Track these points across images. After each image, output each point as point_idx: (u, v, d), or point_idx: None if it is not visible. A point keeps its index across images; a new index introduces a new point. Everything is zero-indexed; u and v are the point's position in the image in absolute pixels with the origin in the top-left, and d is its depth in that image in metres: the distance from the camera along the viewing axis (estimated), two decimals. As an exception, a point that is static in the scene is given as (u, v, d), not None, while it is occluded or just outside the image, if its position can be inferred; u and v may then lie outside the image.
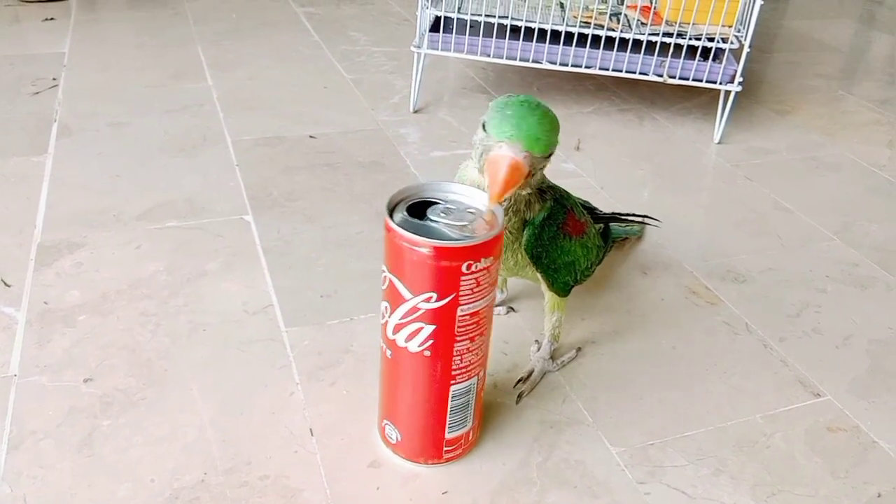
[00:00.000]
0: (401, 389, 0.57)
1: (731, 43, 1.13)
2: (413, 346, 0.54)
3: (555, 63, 1.15)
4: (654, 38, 1.12)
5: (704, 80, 1.14)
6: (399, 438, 0.59)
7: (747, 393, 0.70)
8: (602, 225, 0.79)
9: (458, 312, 0.53)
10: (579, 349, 0.73)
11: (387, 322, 0.55)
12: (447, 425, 0.58)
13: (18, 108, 1.17)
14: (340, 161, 1.06)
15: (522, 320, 0.77)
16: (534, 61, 1.15)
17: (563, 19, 1.16)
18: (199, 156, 1.05)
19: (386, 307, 0.55)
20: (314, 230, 0.90)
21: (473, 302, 0.53)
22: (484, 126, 0.57)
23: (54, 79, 1.27)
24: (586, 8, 1.21)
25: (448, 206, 0.54)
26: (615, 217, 0.84)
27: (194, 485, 0.57)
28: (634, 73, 1.14)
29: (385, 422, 0.60)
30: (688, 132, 1.22)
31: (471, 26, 1.16)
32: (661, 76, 1.14)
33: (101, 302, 0.76)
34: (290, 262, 0.84)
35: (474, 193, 0.55)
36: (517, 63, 1.16)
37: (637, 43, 1.13)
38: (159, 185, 0.97)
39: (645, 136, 1.20)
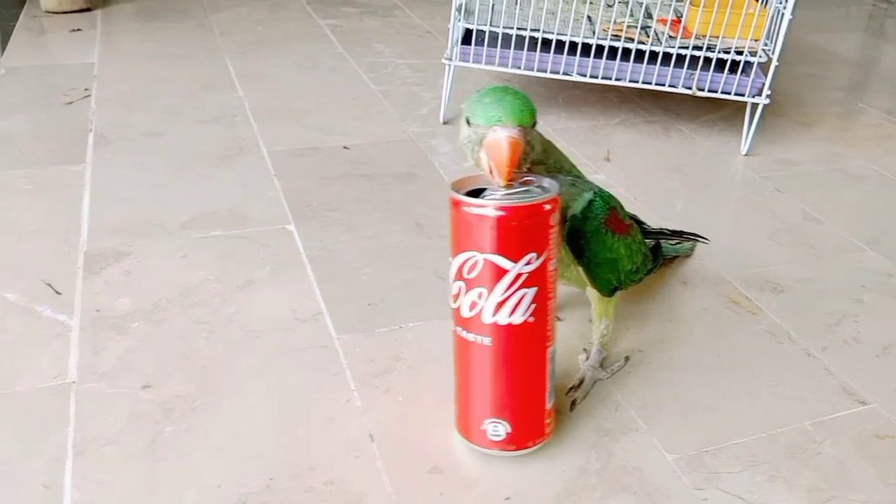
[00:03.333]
0: (509, 374, 0.58)
1: (759, 56, 1.14)
2: (517, 318, 0.56)
3: (585, 75, 1.16)
4: (683, 52, 1.14)
5: (733, 92, 1.15)
6: (509, 430, 0.60)
7: (794, 401, 0.71)
8: (654, 241, 0.80)
9: (549, 267, 0.56)
10: (627, 358, 0.74)
11: (482, 310, 0.56)
12: (547, 394, 0.60)
13: (53, 117, 1.18)
14: (375, 172, 1.07)
15: (569, 329, 0.78)
16: (564, 73, 1.17)
17: (594, 32, 1.17)
18: (236, 166, 1.06)
19: (480, 294, 0.56)
20: (355, 240, 0.91)
21: (554, 256, 0.57)
22: (468, 121, 0.59)
23: (86, 89, 1.28)
24: (614, 21, 1.22)
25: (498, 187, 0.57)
26: (663, 232, 0.85)
27: (261, 490, 0.58)
28: (664, 85, 1.16)
29: (488, 421, 0.60)
30: (714, 144, 1.24)
31: (501, 39, 1.18)
32: (690, 89, 1.15)
33: (152, 310, 0.76)
34: (334, 271, 0.84)
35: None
36: (547, 75, 1.17)
37: (665, 56, 1.15)
38: (200, 195, 0.98)
39: (673, 148, 1.21)
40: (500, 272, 0.55)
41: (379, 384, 0.69)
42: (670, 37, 1.19)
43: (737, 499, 0.61)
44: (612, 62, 1.15)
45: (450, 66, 1.19)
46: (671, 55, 1.15)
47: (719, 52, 1.14)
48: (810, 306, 0.85)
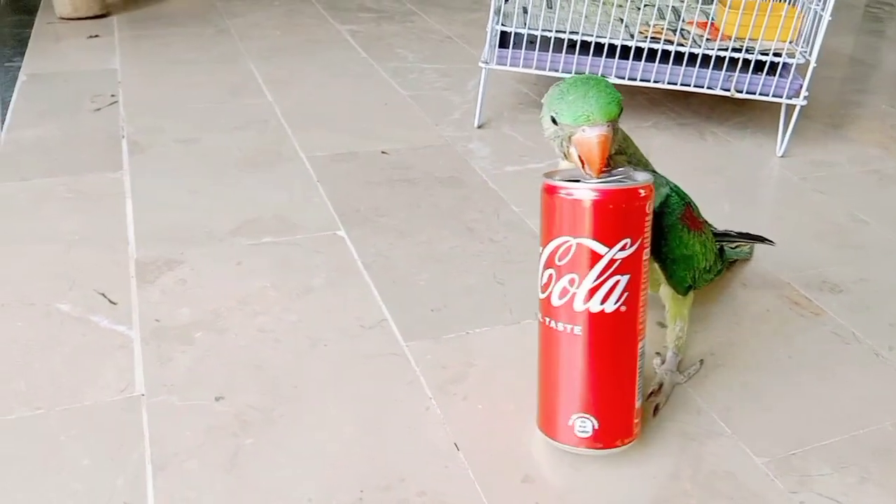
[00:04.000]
0: (598, 365, 0.57)
1: (797, 58, 1.14)
2: (610, 306, 0.55)
3: (623, 77, 1.16)
4: (722, 54, 1.14)
5: (771, 94, 1.15)
6: (596, 426, 0.58)
7: (871, 402, 0.70)
8: (720, 244, 0.79)
9: (643, 255, 0.56)
10: (702, 361, 0.73)
11: (574, 296, 0.55)
12: (637, 391, 0.59)
13: (83, 124, 1.16)
14: (418, 176, 1.05)
15: (638, 333, 0.77)
16: (601, 76, 1.16)
17: (632, 36, 1.17)
18: (276, 172, 1.04)
19: (572, 280, 0.55)
20: (409, 245, 0.89)
21: (648, 244, 0.56)
22: (554, 120, 0.58)
23: (113, 95, 1.26)
24: (647, 24, 1.22)
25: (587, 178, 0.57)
26: (729, 234, 0.84)
27: (353, 503, 0.56)
28: (703, 87, 1.15)
29: (574, 417, 0.59)
30: (748, 146, 1.23)
31: (538, 42, 1.17)
32: (728, 90, 1.15)
33: (214, 319, 0.75)
34: (392, 278, 0.83)
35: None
36: (583, 78, 1.16)
37: (700, 58, 1.14)
38: (244, 202, 0.96)
39: (709, 150, 1.21)
40: (595, 257, 0.54)
41: (456, 391, 0.68)
42: (707, 39, 1.18)
43: (832, 501, 0.60)
44: (651, 64, 1.15)
45: (485, 69, 1.18)
46: (706, 57, 1.14)
47: (757, 53, 1.13)
48: (870, 307, 0.84)
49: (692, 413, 0.67)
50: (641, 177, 0.57)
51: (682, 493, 0.59)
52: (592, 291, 0.55)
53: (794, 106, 1.16)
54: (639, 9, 1.25)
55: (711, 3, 1.25)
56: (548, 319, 0.58)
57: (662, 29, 1.18)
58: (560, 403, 0.60)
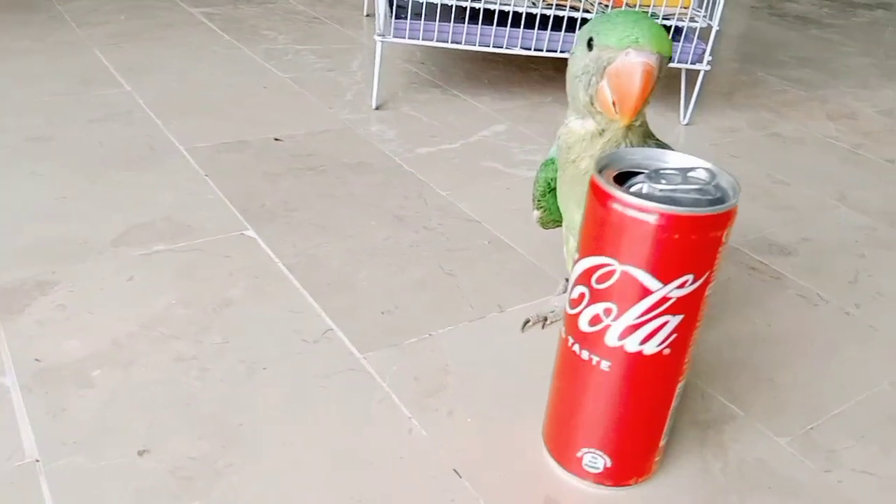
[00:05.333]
0: (621, 405, 0.47)
1: (700, 22, 1.12)
2: (650, 348, 0.45)
3: (530, 49, 1.08)
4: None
5: (676, 60, 1.12)
6: (608, 465, 0.49)
7: (860, 363, 0.67)
8: None
9: (706, 293, 0.44)
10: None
11: (607, 328, 0.45)
12: (664, 431, 0.49)
13: None
14: (324, 164, 0.92)
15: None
16: (507, 47, 1.08)
17: (534, 3, 1.09)
18: (154, 168, 0.87)
19: (608, 310, 0.44)
20: (335, 241, 0.76)
21: (715, 278, 0.45)
22: (590, 44, 0.49)
23: (-76, 91, 1.02)
24: (543, -8, 1.15)
25: (653, 171, 0.45)
26: None
27: (352, 564, 0.44)
28: (609, 55, 1.10)
29: (584, 451, 0.49)
30: (651, 117, 1.20)
31: (428, 13, 1.07)
32: (635, 58, 1.11)
33: (114, 350, 0.59)
34: (325, 279, 0.70)
35: (662, 154, 0.47)
36: (489, 49, 1.08)
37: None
38: (123, 205, 0.79)
39: (617, 122, 1.16)
40: (643, 292, 0.43)
41: (437, 406, 0.57)
42: (604, 5, 1.14)
43: (867, 475, 0.55)
44: (558, 34, 1.08)
45: (381, 42, 1.07)
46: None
47: (661, 19, 1.10)
48: (822, 266, 0.82)
49: (696, 398, 0.60)
50: (726, 188, 0.44)
51: (720, 490, 0.52)
52: (632, 329, 0.44)
53: (696, 72, 1.14)
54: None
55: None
56: (572, 340, 0.47)
57: (562, -3, 1.12)
58: (571, 432, 0.50)
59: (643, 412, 0.48)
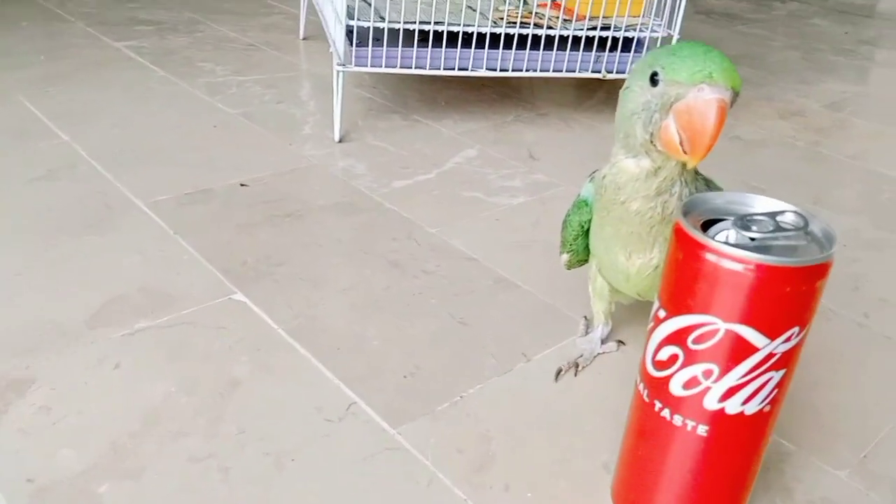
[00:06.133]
0: (719, 469, 0.44)
1: (661, 32, 1.11)
2: (752, 407, 0.42)
3: (495, 69, 1.05)
4: (592, 34, 1.07)
5: (639, 71, 1.11)
6: None
7: (888, 376, 0.66)
8: None
9: (804, 343, 0.42)
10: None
11: (706, 391, 0.42)
12: (749, 490, 0.47)
13: None
14: (299, 208, 0.86)
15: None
16: (472, 69, 1.04)
17: (496, 22, 1.06)
18: (114, 229, 0.79)
19: (707, 372, 0.41)
20: (332, 296, 0.71)
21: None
22: (654, 79, 0.46)
23: None
24: (497, 9, 1.12)
25: (740, 217, 0.42)
26: None
27: None
28: (574, 71, 1.08)
29: None
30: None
31: (386, 38, 1.02)
32: (599, 72, 1.09)
33: (117, 457, 0.51)
34: (333, 343, 0.64)
35: (745, 198, 0.45)
36: (455, 73, 1.04)
37: (554, 41, 1.07)
38: (89, 277, 0.71)
39: (581, 138, 1.14)
40: (748, 350, 0.40)
41: (491, 482, 0.52)
42: (564, 20, 1.11)
43: (935, 505, 0.53)
44: (522, 52, 1.05)
45: (343, 72, 1.01)
46: (563, 40, 1.07)
47: (622, 30, 1.08)
48: (820, 275, 0.82)
49: (750, 436, 0.58)
50: (818, 234, 0.41)
51: (803, 542, 0.49)
52: (734, 390, 0.41)
53: (658, 82, 1.13)
54: (481, -6, 1.15)
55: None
56: (660, 405, 0.44)
57: (517, 12, 1.09)
58: (655, 500, 0.47)
59: (739, 474, 0.45)
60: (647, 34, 1.09)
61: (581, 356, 0.64)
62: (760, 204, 0.44)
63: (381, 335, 0.66)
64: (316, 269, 0.75)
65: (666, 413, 0.44)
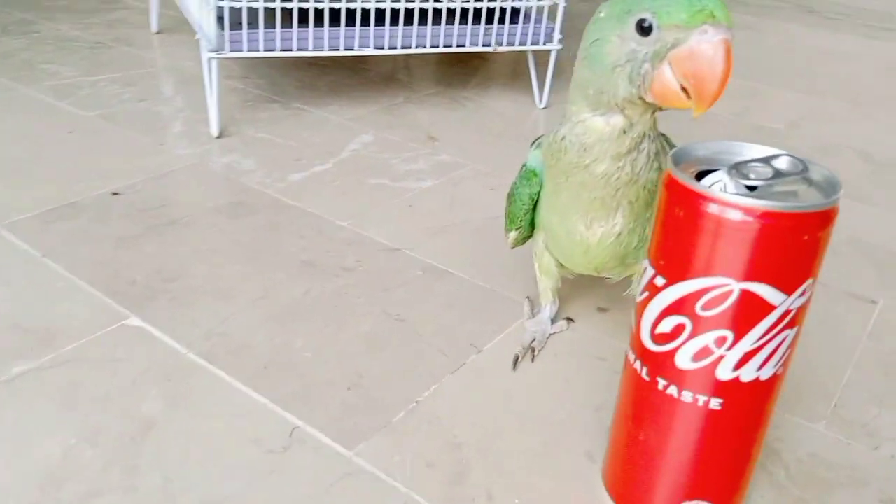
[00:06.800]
0: (731, 446, 0.41)
1: (544, 1, 1.07)
2: (767, 372, 0.38)
3: (383, 47, 0.98)
4: (478, 5, 1.02)
5: (529, 43, 1.07)
6: None
7: (836, 322, 0.66)
8: None
9: (812, 297, 0.38)
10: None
11: (719, 360, 0.37)
12: (757, 458, 0.43)
13: None
14: (186, 213, 0.76)
15: (596, 329, 0.62)
16: (360, 48, 0.97)
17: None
18: (-36, 260, 0.66)
19: (720, 339, 0.37)
20: (245, 308, 0.62)
21: None
22: (643, 27, 0.41)
23: None
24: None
25: (735, 165, 0.38)
26: None
27: None
28: (464, 46, 1.03)
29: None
30: (507, 105, 1.15)
31: (256, 20, 0.92)
32: (489, 45, 1.05)
33: (12, 537, 0.41)
34: (257, 361, 0.56)
35: (730, 147, 0.41)
36: (339, 54, 0.96)
37: (440, 14, 1.01)
38: (-61, 319, 0.58)
39: (477, 116, 1.09)
40: (765, 309, 0.36)
41: (472, 494, 0.46)
42: (447, -8, 1.05)
43: (911, 446, 0.52)
44: (410, 27, 0.99)
45: (216, 60, 0.91)
46: (445, 13, 1.02)
47: (512, 1, 1.04)
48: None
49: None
50: (820, 178, 0.38)
51: (800, 500, 0.47)
52: (750, 355, 0.37)
53: (546, 53, 1.11)
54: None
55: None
56: (663, 382, 0.39)
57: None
58: (662, 486, 0.43)
59: (751, 444, 0.41)
60: (533, 4, 1.05)
61: (534, 339, 0.59)
62: (750, 151, 0.40)
63: (310, 345, 0.58)
64: (219, 279, 0.66)
65: (672, 390, 0.39)
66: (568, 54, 1.44)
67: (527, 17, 1.07)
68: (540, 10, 1.07)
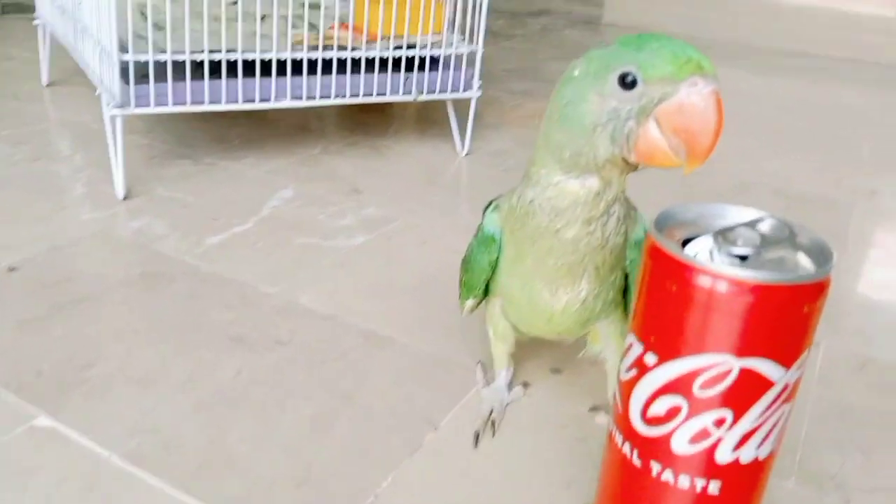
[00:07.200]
0: None
1: (465, 48, 1.06)
2: (765, 451, 0.36)
3: (301, 97, 0.93)
4: (398, 53, 0.99)
5: (449, 90, 1.05)
6: None
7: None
8: None
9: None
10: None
11: (718, 442, 0.35)
12: None
13: None
14: (95, 289, 0.68)
15: (552, 393, 0.59)
16: (276, 100, 0.92)
17: (287, 46, 0.94)
18: None
19: (719, 420, 0.35)
20: (171, 396, 0.55)
21: None
22: (625, 80, 0.39)
23: None
24: (291, 33, 1.00)
25: (720, 231, 0.36)
26: None
27: None
28: (385, 94, 1.00)
29: None
30: (429, 153, 1.13)
31: (163, 75, 0.86)
32: (410, 93, 1.02)
33: None
34: (190, 460, 0.50)
35: (714, 208, 0.39)
36: (255, 106, 0.91)
37: (359, 63, 0.98)
38: None
39: (400, 165, 1.06)
40: (764, 386, 0.34)
41: None
42: (368, 41, 1.02)
43: (877, 493, 0.52)
44: (328, 77, 0.95)
45: (120, 117, 0.84)
46: (364, 62, 0.99)
47: (430, 49, 1.02)
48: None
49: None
50: (813, 247, 0.36)
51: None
52: (749, 435, 0.35)
53: (468, 100, 1.09)
54: (262, 19, 1.03)
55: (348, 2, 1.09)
56: (657, 467, 0.37)
57: (311, 36, 0.99)
58: None
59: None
60: (452, 51, 1.04)
61: (492, 410, 0.55)
62: (731, 213, 0.39)
63: (248, 436, 0.52)
64: (138, 363, 0.59)
65: (668, 476, 0.37)
66: (485, 98, 1.44)
67: (446, 64, 1.05)
68: (459, 57, 1.06)
